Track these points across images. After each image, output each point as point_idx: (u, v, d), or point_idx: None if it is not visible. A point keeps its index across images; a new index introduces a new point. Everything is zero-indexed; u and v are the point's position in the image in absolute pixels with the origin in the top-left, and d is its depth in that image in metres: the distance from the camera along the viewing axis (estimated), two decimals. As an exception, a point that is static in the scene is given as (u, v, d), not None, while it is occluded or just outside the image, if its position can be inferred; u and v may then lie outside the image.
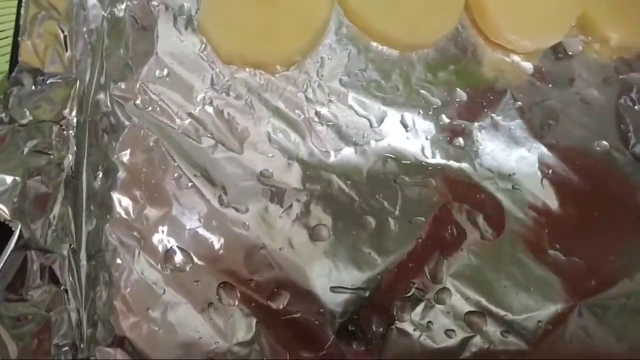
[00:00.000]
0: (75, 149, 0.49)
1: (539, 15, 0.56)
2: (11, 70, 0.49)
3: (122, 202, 0.48)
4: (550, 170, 0.53)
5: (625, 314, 0.50)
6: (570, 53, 0.58)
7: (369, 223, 0.50)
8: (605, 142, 0.55)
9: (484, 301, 0.49)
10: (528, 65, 0.57)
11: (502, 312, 0.49)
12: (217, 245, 0.48)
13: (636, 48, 0.59)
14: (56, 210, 0.46)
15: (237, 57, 0.53)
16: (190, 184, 0.49)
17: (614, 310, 0.50)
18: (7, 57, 0.51)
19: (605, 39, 0.58)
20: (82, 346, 0.45)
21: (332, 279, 0.48)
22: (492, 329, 0.49)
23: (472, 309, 0.49)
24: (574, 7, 0.57)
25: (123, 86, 0.51)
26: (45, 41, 0.50)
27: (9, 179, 0.44)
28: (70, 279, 0.45)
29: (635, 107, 0.57)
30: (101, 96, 0.51)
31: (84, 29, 0.52)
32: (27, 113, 0.47)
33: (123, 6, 0.54)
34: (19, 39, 0.49)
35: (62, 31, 0.50)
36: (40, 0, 0.50)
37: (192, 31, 0.54)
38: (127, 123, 0.50)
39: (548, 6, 0.56)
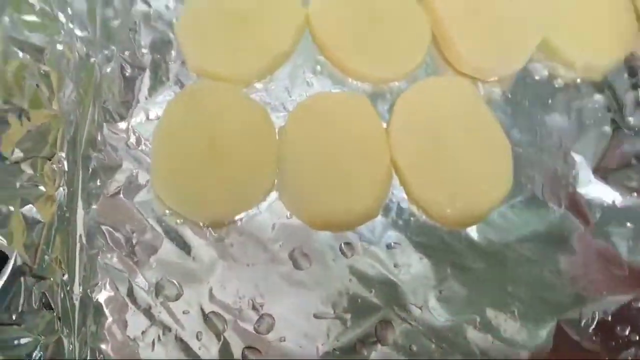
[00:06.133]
0: (66, 183, 0.51)
1: (500, 45, 0.59)
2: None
3: (114, 236, 0.50)
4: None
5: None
6: (536, 78, 0.61)
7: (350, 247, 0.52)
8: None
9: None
10: (496, 91, 0.59)
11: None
12: (205, 278, 0.50)
13: (602, 70, 0.62)
14: (50, 239, 0.48)
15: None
16: (180, 220, 0.52)
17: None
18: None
19: (570, 63, 0.61)
20: (74, 372, 0.46)
21: (314, 306, 0.50)
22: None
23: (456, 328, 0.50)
24: (534, 34, 0.60)
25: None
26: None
27: (3, 208, 0.47)
28: (63, 305, 0.47)
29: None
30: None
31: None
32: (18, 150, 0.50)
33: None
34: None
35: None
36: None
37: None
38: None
39: (508, 35, 0.59)
